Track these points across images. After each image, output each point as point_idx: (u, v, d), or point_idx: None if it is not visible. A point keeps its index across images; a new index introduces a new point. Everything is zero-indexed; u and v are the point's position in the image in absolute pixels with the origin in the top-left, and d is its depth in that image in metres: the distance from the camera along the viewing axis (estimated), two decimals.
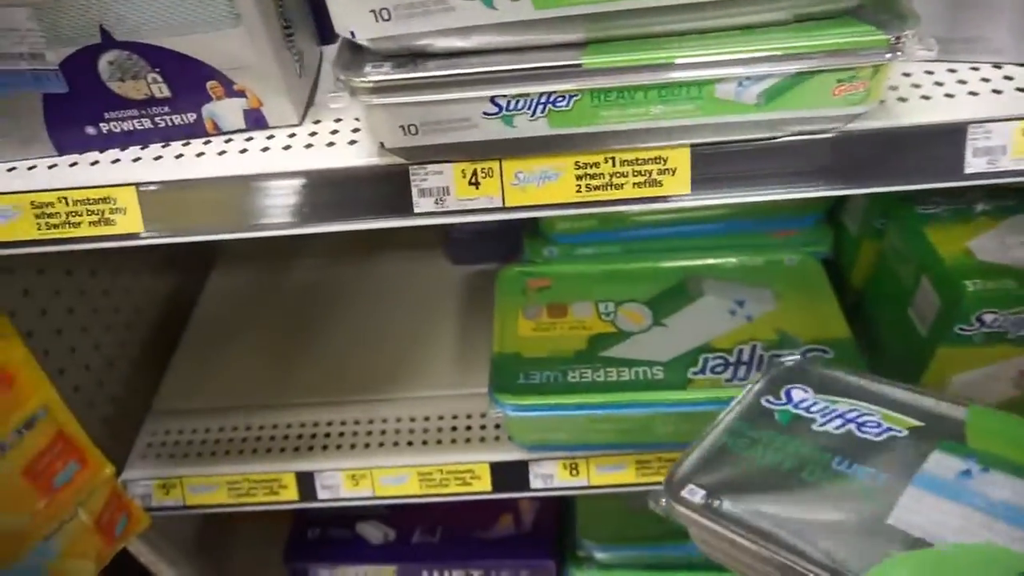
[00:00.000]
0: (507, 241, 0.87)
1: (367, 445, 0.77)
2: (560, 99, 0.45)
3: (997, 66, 0.53)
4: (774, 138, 0.48)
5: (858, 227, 0.78)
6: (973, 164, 0.49)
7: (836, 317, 0.71)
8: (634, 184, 0.49)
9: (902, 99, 0.51)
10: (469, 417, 0.78)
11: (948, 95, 0.51)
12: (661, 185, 0.50)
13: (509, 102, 0.45)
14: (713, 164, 0.49)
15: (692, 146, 0.49)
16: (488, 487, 0.74)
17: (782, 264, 0.77)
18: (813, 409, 0.53)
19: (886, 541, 0.43)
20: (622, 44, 0.45)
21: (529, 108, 0.45)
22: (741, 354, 0.68)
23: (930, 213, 0.69)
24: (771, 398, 0.55)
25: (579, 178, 0.49)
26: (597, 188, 0.50)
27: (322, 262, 1.00)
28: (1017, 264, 0.63)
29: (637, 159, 0.49)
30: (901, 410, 0.52)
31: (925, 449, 0.48)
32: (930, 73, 0.53)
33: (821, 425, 0.52)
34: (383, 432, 0.78)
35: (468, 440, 0.76)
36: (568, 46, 0.45)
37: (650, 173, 0.49)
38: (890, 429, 0.50)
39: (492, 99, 0.45)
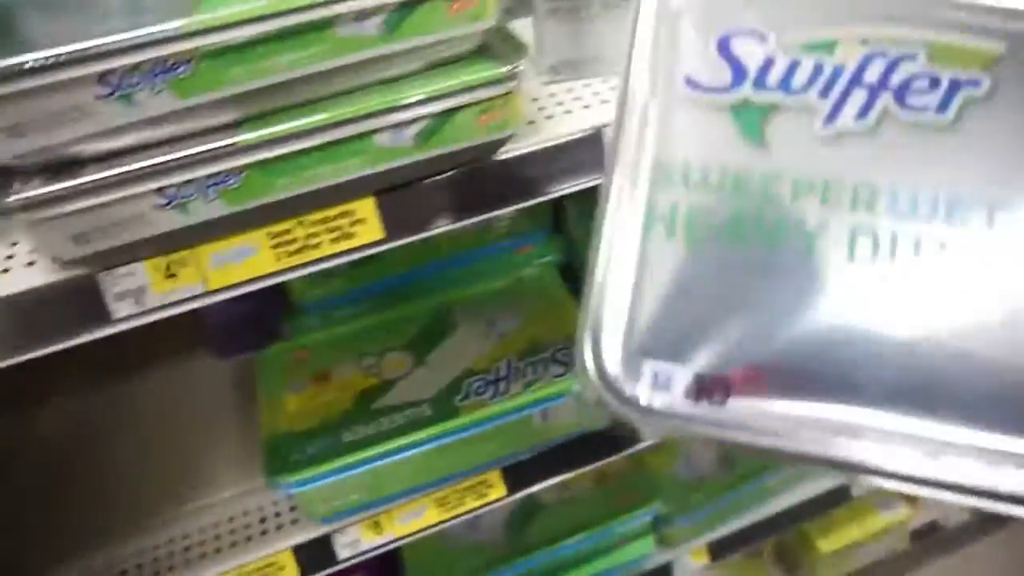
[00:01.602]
0: (267, 322, 0.85)
1: (157, 573, 0.71)
2: (228, 178, 0.47)
3: None
4: (443, 172, 0.53)
5: (577, 232, 0.86)
6: None
7: (576, 315, 0.78)
8: (330, 240, 0.52)
9: (549, 116, 0.58)
10: (261, 509, 0.75)
11: (585, 106, 0.59)
12: (356, 236, 0.52)
13: (176, 191, 0.46)
14: (398, 206, 0.53)
15: (375, 194, 0.52)
16: (296, 574, 0.72)
17: (524, 279, 0.84)
18: (794, 81, 0.32)
19: None
20: (277, 115, 0.47)
21: (200, 193, 0.46)
22: (499, 371, 0.73)
23: None
24: (692, 76, 0.33)
25: (275, 247, 0.51)
26: (296, 252, 0.51)
27: (74, 396, 0.92)
28: None
29: (326, 217, 0.51)
30: (955, 25, 0.31)
31: None
32: (570, 91, 0.61)
33: (830, 119, 0.31)
34: (170, 554, 0.72)
35: (264, 532, 0.73)
36: (226, 127, 0.47)
37: (342, 227, 0.52)
38: (958, 83, 0.30)
39: (159, 191, 0.46)
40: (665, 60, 0.33)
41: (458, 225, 0.55)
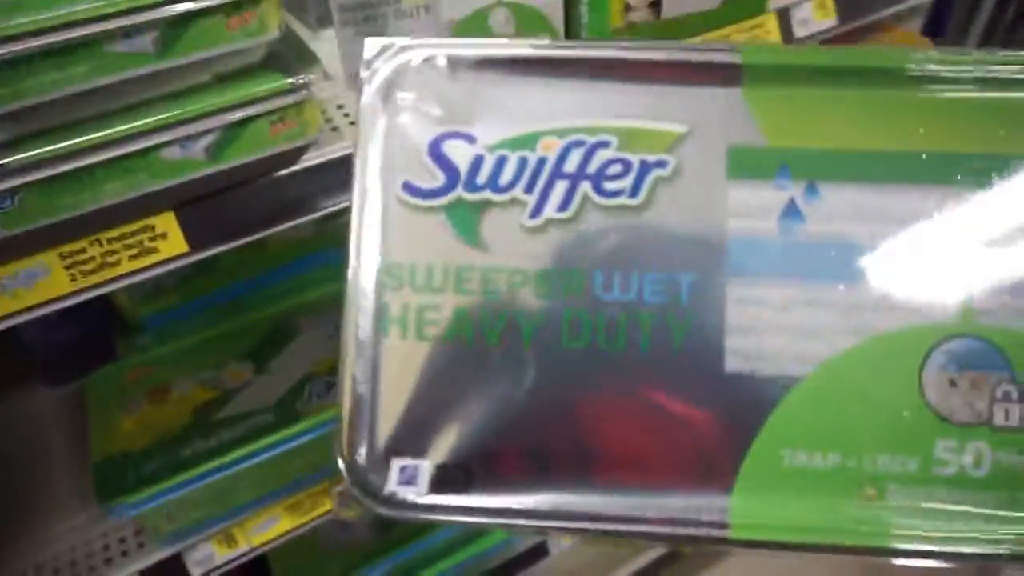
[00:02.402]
0: (98, 345, 0.82)
1: None
2: (2, 200, 0.45)
3: None
4: (245, 182, 0.53)
5: None
6: None
7: None
8: (130, 257, 0.51)
9: (352, 123, 0.60)
10: (105, 536, 0.73)
11: None
12: (158, 251, 0.52)
13: None
14: (201, 219, 0.53)
15: (175, 208, 0.52)
16: None
17: None
18: (501, 177, 0.33)
19: (739, 398, 0.30)
20: (52, 134, 0.46)
21: None
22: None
23: None
24: (410, 182, 0.34)
25: (69, 267, 0.50)
26: (92, 271, 0.51)
27: None
28: None
29: (124, 234, 0.51)
30: (641, 111, 0.32)
31: (713, 183, 0.32)
32: None
33: (536, 211, 0.33)
34: None
35: (109, 560, 0.71)
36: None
37: (142, 243, 0.52)
38: (647, 166, 0.32)
39: None
40: (387, 169, 0.35)
41: (266, 233, 0.55)
